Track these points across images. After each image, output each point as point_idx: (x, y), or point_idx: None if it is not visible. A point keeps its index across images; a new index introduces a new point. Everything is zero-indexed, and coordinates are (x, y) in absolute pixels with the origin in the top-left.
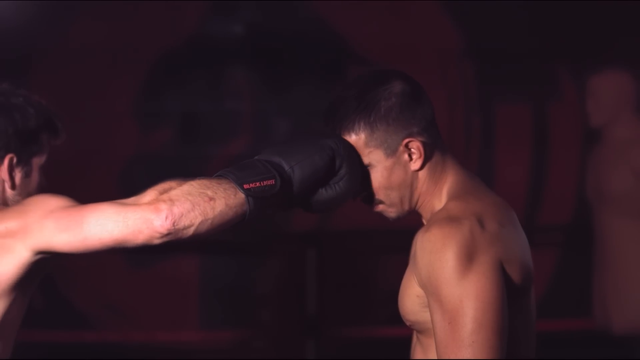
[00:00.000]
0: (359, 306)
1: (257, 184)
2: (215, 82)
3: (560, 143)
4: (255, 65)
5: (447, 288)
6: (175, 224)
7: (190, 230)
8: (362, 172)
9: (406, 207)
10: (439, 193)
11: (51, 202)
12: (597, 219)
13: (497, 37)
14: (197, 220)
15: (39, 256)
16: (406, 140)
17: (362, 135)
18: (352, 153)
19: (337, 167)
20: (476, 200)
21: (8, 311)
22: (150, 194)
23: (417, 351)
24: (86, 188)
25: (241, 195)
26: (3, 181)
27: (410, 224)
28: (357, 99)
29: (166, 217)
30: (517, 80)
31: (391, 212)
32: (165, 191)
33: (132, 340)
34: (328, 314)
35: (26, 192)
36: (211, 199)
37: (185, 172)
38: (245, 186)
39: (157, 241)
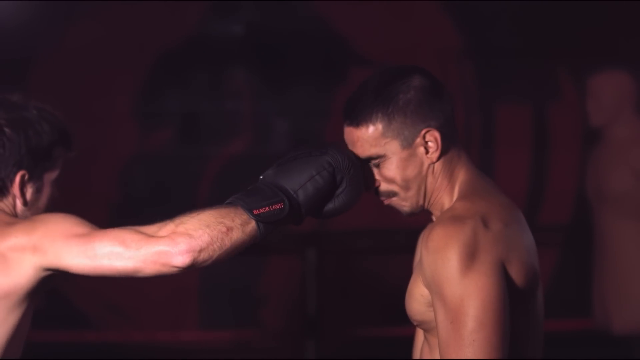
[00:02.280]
0: (359, 306)
1: (267, 208)
2: (215, 82)
3: (560, 143)
4: (255, 65)
5: (449, 287)
6: (194, 258)
7: (208, 262)
8: (364, 177)
9: (420, 201)
10: (450, 190)
11: (64, 223)
12: (597, 219)
13: (497, 37)
14: (216, 253)
15: (47, 272)
16: (424, 131)
17: (379, 126)
18: (352, 163)
19: (338, 182)
20: (482, 200)
21: (18, 321)
22: (167, 227)
23: (424, 351)
24: (86, 188)
25: (252, 221)
26: (15, 197)
27: (410, 223)
28: (376, 90)
29: (185, 252)
30: (517, 80)
31: (405, 205)
32: (181, 223)
33: (132, 340)
34: (328, 314)
35: (36, 207)
36: (228, 229)
37: (185, 172)
38: (255, 212)
39: (173, 272)
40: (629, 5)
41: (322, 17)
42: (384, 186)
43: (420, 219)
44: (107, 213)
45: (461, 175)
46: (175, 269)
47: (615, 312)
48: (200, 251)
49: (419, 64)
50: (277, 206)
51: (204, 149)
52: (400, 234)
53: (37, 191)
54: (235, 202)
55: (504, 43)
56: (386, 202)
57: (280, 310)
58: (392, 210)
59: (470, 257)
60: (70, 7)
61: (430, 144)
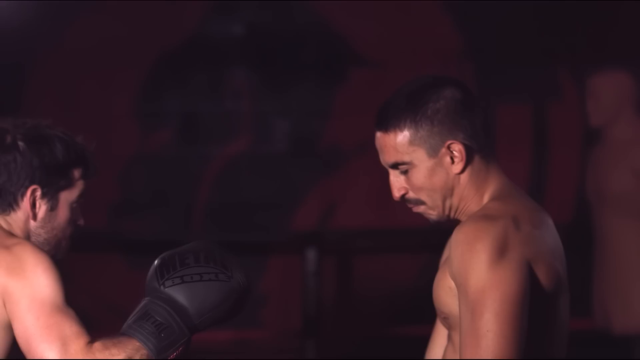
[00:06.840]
0: (358, 306)
1: (173, 355)
2: (215, 82)
3: (560, 143)
4: (256, 65)
5: (473, 278)
6: None
7: None
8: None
9: (447, 210)
10: (478, 199)
11: (39, 289)
12: (597, 219)
13: (497, 37)
14: None
15: None
16: (449, 142)
17: (407, 134)
18: (249, 285)
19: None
20: (513, 203)
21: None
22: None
23: (448, 350)
24: (86, 188)
25: None
26: (26, 212)
27: (410, 223)
28: (407, 98)
29: None
30: (517, 80)
31: (432, 214)
32: None
33: None
34: (328, 314)
35: (50, 226)
36: None
37: (185, 172)
38: None
39: None
40: (629, 4)
41: (322, 17)
42: (411, 194)
43: (422, 220)
44: (107, 213)
45: (491, 185)
46: None
47: (615, 312)
48: None
49: (418, 64)
50: (181, 348)
51: (204, 149)
52: (400, 234)
53: (51, 209)
54: (147, 344)
55: (504, 43)
56: (415, 209)
57: (280, 310)
58: (392, 211)
59: (499, 253)
60: (70, 7)
61: (455, 153)
